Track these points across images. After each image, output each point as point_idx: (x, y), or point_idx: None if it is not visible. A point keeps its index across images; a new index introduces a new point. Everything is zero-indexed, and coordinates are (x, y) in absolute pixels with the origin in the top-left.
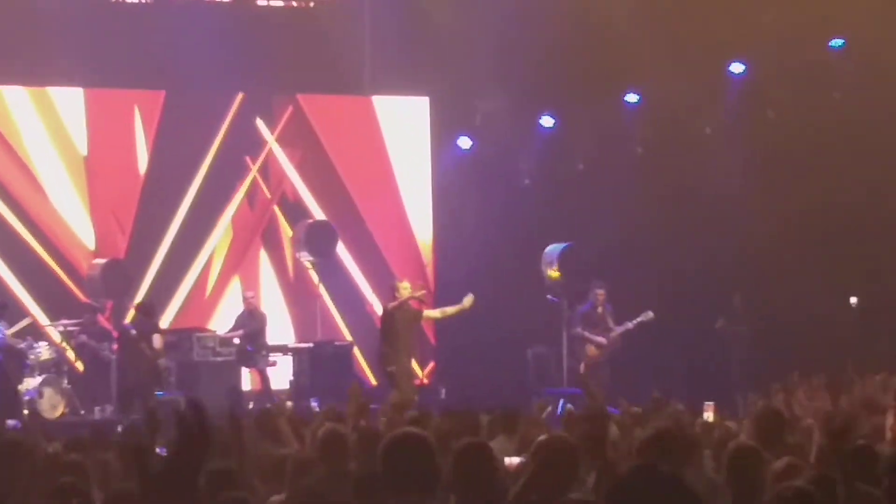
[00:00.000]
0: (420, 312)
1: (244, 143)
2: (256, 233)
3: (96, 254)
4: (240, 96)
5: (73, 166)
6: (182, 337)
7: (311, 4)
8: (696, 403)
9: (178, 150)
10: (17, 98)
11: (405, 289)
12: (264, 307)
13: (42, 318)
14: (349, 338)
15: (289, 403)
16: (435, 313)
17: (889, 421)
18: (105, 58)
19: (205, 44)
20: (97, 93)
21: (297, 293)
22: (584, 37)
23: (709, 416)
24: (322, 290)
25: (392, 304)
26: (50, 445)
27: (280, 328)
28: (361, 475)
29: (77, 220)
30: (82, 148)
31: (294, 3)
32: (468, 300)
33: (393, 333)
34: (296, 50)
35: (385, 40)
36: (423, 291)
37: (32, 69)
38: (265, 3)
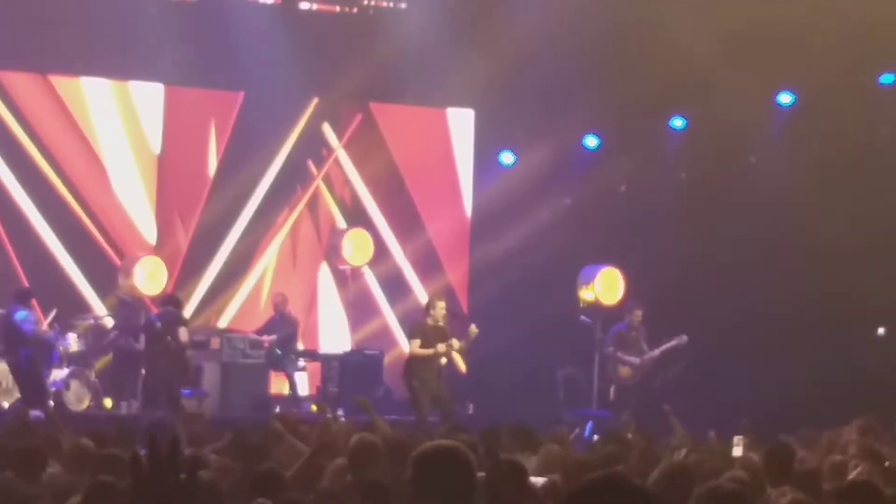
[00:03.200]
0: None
1: (314, 146)
2: (316, 240)
3: (157, 251)
4: (315, 101)
5: (146, 163)
6: (212, 336)
7: (370, 13)
8: (727, 435)
9: (249, 153)
10: (97, 89)
11: (440, 308)
12: (322, 314)
13: (100, 309)
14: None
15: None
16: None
17: None
18: (187, 56)
19: (276, 47)
20: (177, 91)
21: (353, 302)
22: (634, 59)
23: (738, 450)
24: (375, 296)
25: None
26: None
27: (338, 336)
28: (388, 484)
29: (141, 216)
30: (157, 145)
31: (348, 10)
32: (473, 331)
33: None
34: (350, 57)
35: (434, 50)
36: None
37: (116, 62)
38: (311, 7)
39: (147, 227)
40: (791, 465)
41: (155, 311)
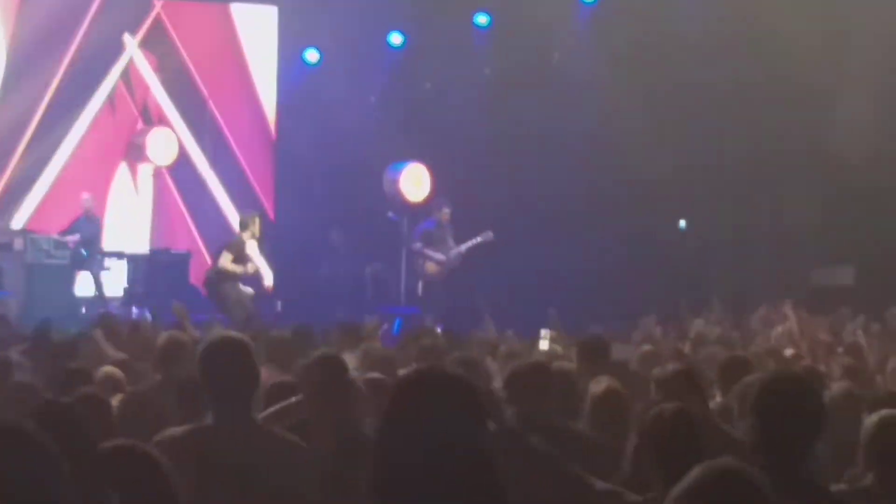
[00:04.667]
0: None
1: (106, 45)
2: (117, 138)
3: None
4: None
5: None
6: (14, 237)
7: None
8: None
9: (37, 48)
10: None
11: (257, 223)
12: (115, 214)
13: None
14: (202, 246)
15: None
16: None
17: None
18: None
19: None
20: None
21: (154, 201)
22: None
23: (545, 343)
24: (177, 198)
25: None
26: None
27: (133, 237)
28: (186, 381)
29: None
30: None
31: None
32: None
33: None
34: None
35: None
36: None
37: None
38: None
39: None
40: (606, 355)
41: None
